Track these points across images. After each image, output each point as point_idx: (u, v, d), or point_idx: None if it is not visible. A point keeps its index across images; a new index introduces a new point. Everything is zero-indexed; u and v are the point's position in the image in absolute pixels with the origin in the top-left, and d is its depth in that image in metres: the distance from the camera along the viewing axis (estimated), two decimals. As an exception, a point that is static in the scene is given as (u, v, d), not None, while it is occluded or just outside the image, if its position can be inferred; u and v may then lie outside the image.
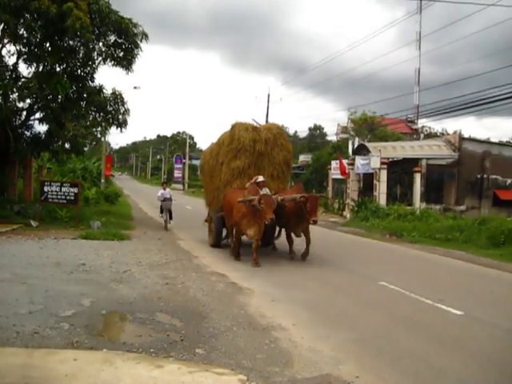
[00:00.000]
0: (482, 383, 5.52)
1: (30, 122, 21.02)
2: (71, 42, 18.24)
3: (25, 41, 18.19)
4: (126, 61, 19.60)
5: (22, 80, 19.17)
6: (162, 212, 20.51)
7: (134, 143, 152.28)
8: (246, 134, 14.52)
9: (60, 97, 18.52)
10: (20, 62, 18.95)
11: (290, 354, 6.16)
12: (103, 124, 21.59)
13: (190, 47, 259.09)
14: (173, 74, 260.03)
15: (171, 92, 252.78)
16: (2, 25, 17.78)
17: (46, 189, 18.31)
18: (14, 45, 18.57)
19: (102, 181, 35.61)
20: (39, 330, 6.45)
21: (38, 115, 20.54)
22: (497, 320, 8.08)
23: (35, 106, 20.06)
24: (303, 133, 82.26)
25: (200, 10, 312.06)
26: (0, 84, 17.70)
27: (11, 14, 16.80)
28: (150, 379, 5.12)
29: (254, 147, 14.52)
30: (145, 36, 19.44)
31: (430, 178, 28.29)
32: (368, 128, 42.78)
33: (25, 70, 19.36)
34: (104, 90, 20.01)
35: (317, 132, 79.71)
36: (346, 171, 30.32)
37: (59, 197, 18.34)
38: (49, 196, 18.32)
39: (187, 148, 76.68)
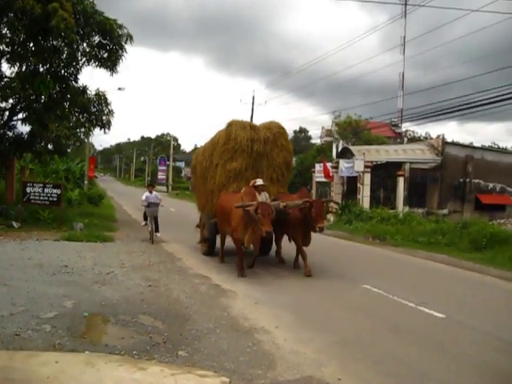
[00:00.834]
0: (462, 385, 5.56)
1: (13, 123, 20.76)
2: (55, 42, 18.05)
3: (8, 40, 17.98)
4: (110, 62, 19.46)
5: (5, 80, 18.97)
6: (145, 219, 17.31)
7: (118, 144, 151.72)
8: (244, 133, 13.26)
9: (43, 97, 18.35)
10: (3, 61, 18.75)
11: (272, 356, 6.17)
12: (87, 125, 21.40)
13: (175, 50, 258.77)
14: (157, 76, 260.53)
15: (156, 94, 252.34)
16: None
17: (28, 190, 18.16)
18: (-3, 44, 18.40)
19: (86, 182, 35.40)
20: (20, 332, 6.40)
21: (20, 115, 20.29)
22: (478, 323, 8.16)
23: (18, 107, 19.84)
24: (288, 135, 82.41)
25: (184, 12, 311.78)
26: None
27: (-6, 13, 16.66)
28: (133, 381, 5.10)
29: (252, 147, 13.28)
30: (129, 37, 19.34)
31: (413, 182, 28.53)
32: (352, 131, 43.04)
33: (7, 69, 19.14)
34: (88, 91, 19.87)
35: (301, 135, 80.00)
36: (330, 174, 30.42)
37: (42, 198, 18.20)
38: (31, 197, 18.16)
39: (171, 150, 76.58)
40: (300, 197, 12.18)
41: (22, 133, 21.17)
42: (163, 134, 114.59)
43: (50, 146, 23.14)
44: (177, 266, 12.32)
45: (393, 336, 7.34)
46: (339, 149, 38.35)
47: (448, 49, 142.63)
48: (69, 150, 32.14)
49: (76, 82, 19.56)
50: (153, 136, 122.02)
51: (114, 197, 45.18)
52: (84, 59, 19.31)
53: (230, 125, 13.55)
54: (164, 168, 77.37)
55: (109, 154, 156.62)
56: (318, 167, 33.37)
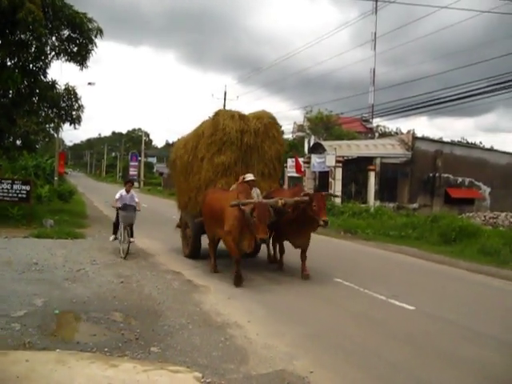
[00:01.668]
0: (431, 375, 5.66)
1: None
2: (23, 36, 17.79)
3: (-27, 33, 17.69)
4: (79, 56, 19.24)
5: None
6: (116, 227, 13.47)
7: (89, 140, 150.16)
8: (232, 124, 12.11)
9: (11, 92, 18.09)
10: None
11: (245, 350, 6.20)
12: (56, 120, 21.16)
13: (146, 44, 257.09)
14: (129, 71, 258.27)
15: (127, 89, 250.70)
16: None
17: (-4, 186, 17.84)
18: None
19: (56, 178, 34.88)
20: (-11, 331, 6.32)
21: (-13, 111, 19.99)
22: (447, 315, 8.30)
23: (-15, 102, 19.52)
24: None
25: (156, 7, 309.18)
26: None
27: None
28: (104, 378, 5.08)
29: (242, 139, 12.14)
30: (99, 31, 19.13)
31: (383, 177, 28.86)
32: (324, 127, 43.27)
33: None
34: (57, 86, 19.62)
35: (273, 130, 79.97)
36: (302, 169, 30.56)
37: (10, 194, 17.89)
38: (-1, 194, 17.86)
39: (143, 145, 75.95)
40: (294, 193, 11.17)
41: (-11, 128, 20.81)
42: (135, 130, 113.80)
43: (18, 142, 22.83)
44: (149, 262, 12.25)
45: (364, 328, 7.42)
46: (311, 144, 38.55)
47: (418, 45, 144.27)
48: (38, 146, 31.61)
49: (45, 77, 19.31)
50: (124, 131, 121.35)
51: (84, 193, 44.62)
52: (53, 53, 19.09)
53: (217, 114, 12.46)
54: (136, 164, 76.65)
55: (79, 149, 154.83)
56: (290, 162, 33.51)
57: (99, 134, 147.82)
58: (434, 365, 6.00)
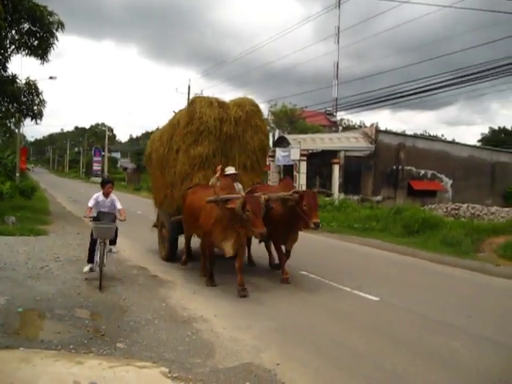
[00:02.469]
0: (395, 365, 5.77)
1: None
2: (-19, 29, 17.42)
3: None
4: (40, 50, 18.89)
5: None
6: (92, 253, 9.60)
7: (51, 135, 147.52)
8: (211, 112, 11.08)
9: (-31, 86, 17.69)
10: None
11: (211, 344, 6.22)
12: (17, 115, 20.76)
13: (108, 38, 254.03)
14: (91, 65, 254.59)
15: (90, 83, 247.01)
16: None
17: (-45, 183, 17.47)
18: None
19: (17, 174, 34.27)
20: (-50, 331, 6.20)
21: None
22: (410, 305, 8.47)
23: None
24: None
25: (118, 0, 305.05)
26: None
27: None
28: (70, 376, 5.04)
29: (221, 129, 11.16)
30: (61, 25, 18.81)
31: (348, 170, 29.14)
32: (288, 120, 43.44)
33: None
34: (18, 80, 19.24)
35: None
36: (267, 163, 30.61)
37: (-30, 191, 17.55)
38: (-41, 191, 17.49)
39: (106, 140, 75.06)
40: (283, 188, 10.25)
41: None
42: (98, 124, 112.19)
43: (-22, 138, 22.34)
44: (114, 257, 12.12)
45: (330, 320, 7.52)
46: (275, 138, 38.65)
47: (380, 39, 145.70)
48: (-2, 142, 31.05)
49: (5, 71, 18.87)
50: (87, 126, 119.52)
51: (47, 189, 43.93)
52: (13, 47, 18.67)
53: (194, 102, 11.45)
54: (99, 159, 75.80)
55: (41, 145, 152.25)
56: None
57: (62, 129, 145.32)
58: (399, 354, 6.13)
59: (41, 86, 19.91)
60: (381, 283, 10.16)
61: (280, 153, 29.87)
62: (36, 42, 18.84)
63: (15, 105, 19.59)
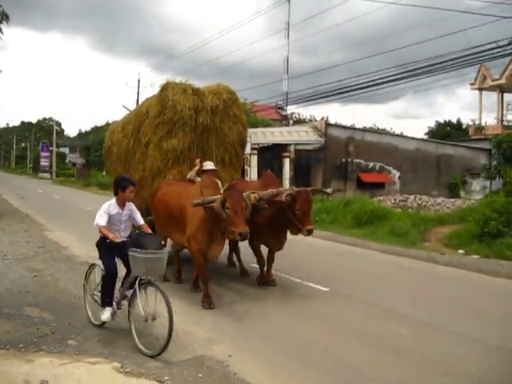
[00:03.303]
0: (345, 352, 5.94)
1: None
2: None
3: None
4: (-17, 43, 18.42)
5: None
6: (110, 290, 6.50)
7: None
8: (185, 100, 9.93)
9: None
10: None
11: (164, 339, 6.23)
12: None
13: (55, 30, 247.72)
14: (37, 58, 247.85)
15: (37, 77, 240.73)
16: None
17: None
18: None
19: (-39, 171, 33.33)
20: None
21: None
22: (359, 294, 8.69)
23: None
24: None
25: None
26: None
27: None
28: (20, 375, 4.99)
29: (197, 119, 9.99)
30: (5, 17, 18.36)
31: (298, 163, 29.36)
32: (239, 114, 43.39)
33: None
34: (-41, 74, 18.70)
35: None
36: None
37: None
38: None
39: (54, 135, 73.38)
40: (264, 184, 8.96)
41: None
42: (45, 119, 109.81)
43: None
44: (63, 254, 11.96)
45: (281, 311, 7.65)
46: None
47: (329, 34, 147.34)
48: None
49: None
50: (34, 121, 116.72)
51: (-8, 186, 42.82)
52: (-46, 41, 18.11)
53: (165, 88, 10.18)
54: (47, 154, 74.23)
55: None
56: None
57: (7, 124, 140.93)
58: (348, 342, 6.33)
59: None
60: (331, 274, 10.36)
61: (231, 147, 29.90)
62: (-22, 35, 18.33)
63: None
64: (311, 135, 30.09)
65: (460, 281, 10.25)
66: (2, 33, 18.59)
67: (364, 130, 36.63)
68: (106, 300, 6.41)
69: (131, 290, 6.24)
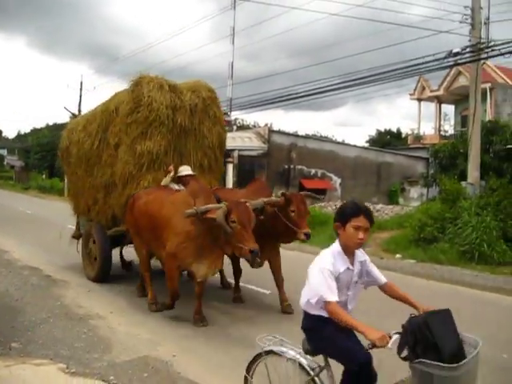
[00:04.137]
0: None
1: None
2: None
3: None
4: None
5: None
6: None
7: None
8: (162, 97, 8.87)
9: None
10: None
11: (108, 339, 6.36)
12: None
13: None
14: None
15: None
16: None
17: None
18: None
19: None
20: None
21: None
22: (298, 296, 8.94)
23: None
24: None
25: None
26: None
27: None
28: (-37, 377, 5.01)
29: (174, 119, 9.00)
30: None
31: (241, 169, 29.64)
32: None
33: None
34: None
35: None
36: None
37: None
38: None
39: (-9, 137, 71.33)
40: (253, 192, 8.13)
41: None
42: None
43: None
44: (3, 259, 11.79)
45: (224, 314, 7.89)
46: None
47: (274, 42, 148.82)
48: None
49: None
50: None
51: None
52: None
53: (139, 83, 8.99)
54: (-17, 157, 71.98)
55: None
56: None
57: None
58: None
59: None
60: (270, 277, 10.61)
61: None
62: None
63: None
64: (255, 141, 30.44)
65: (396, 284, 10.65)
66: None
67: (306, 136, 37.27)
68: None
69: None
